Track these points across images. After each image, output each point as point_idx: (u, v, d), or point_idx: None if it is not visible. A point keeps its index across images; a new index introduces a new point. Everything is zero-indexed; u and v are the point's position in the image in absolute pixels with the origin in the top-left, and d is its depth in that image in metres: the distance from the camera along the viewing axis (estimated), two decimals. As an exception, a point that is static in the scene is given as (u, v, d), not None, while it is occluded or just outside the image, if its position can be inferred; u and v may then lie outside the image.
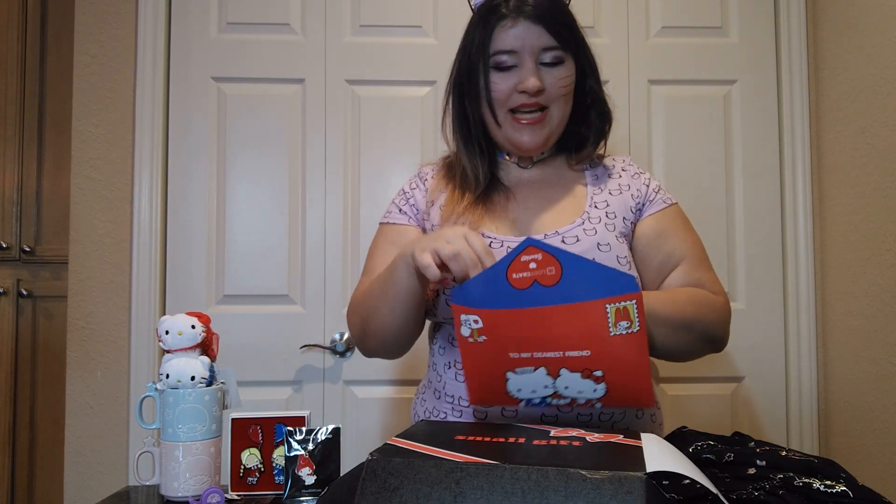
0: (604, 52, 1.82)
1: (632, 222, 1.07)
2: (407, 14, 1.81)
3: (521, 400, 0.87)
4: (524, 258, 0.81)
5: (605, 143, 1.14)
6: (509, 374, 0.86)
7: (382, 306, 0.98)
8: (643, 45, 1.83)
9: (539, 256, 0.80)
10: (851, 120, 1.63)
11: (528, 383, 0.86)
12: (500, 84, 1.02)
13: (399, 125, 1.79)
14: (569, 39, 1.02)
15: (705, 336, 1.00)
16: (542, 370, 0.84)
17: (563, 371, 0.84)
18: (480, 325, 0.84)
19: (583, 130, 1.11)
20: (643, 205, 1.08)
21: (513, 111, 1.04)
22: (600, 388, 0.84)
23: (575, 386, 0.85)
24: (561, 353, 0.83)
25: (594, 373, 0.83)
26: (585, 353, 0.82)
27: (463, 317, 0.84)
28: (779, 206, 1.82)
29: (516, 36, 1.00)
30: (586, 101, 1.09)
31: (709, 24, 1.84)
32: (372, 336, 1.04)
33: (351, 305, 1.10)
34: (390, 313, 0.98)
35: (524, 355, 0.84)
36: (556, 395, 0.86)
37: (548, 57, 1.01)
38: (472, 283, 0.83)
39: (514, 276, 0.82)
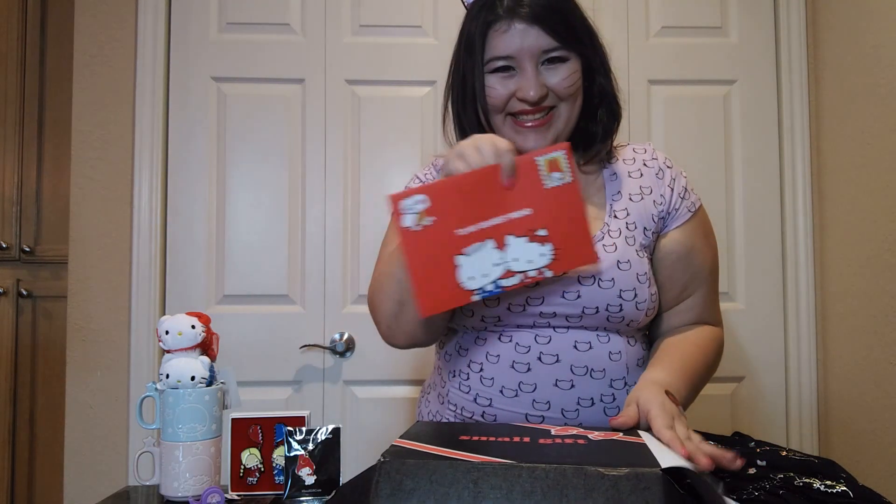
0: (604, 52, 1.82)
1: (653, 232, 1.00)
2: (407, 14, 1.81)
3: (475, 291, 0.87)
4: None
5: (612, 141, 1.06)
6: (459, 259, 0.87)
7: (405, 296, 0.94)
8: (643, 45, 1.83)
9: None
10: (851, 120, 1.63)
11: (478, 264, 0.87)
12: (498, 90, 0.96)
13: (399, 125, 1.79)
14: (571, 37, 0.95)
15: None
16: (489, 242, 0.87)
17: (510, 238, 0.87)
18: (427, 203, 0.85)
19: (591, 127, 1.03)
20: (667, 214, 1.01)
21: (514, 115, 0.97)
22: (547, 251, 0.87)
23: (523, 254, 0.87)
24: (504, 216, 0.86)
25: (538, 233, 0.86)
26: (527, 211, 0.86)
27: (406, 203, 0.86)
28: (779, 206, 1.82)
29: (513, 40, 0.94)
30: (595, 98, 1.02)
31: (709, 24, 1.84)
32: (406, 320, 0.97)
33: (375, 291, 1.01)
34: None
35: (471, 229, 0.86)
36: (507, 273, 0.87)
37: (550, 58, 0.95)
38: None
39: None
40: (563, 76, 0.95)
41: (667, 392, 0.85)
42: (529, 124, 0.97)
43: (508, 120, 0.98)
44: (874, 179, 1.54)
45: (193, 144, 1.77)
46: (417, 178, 1.10)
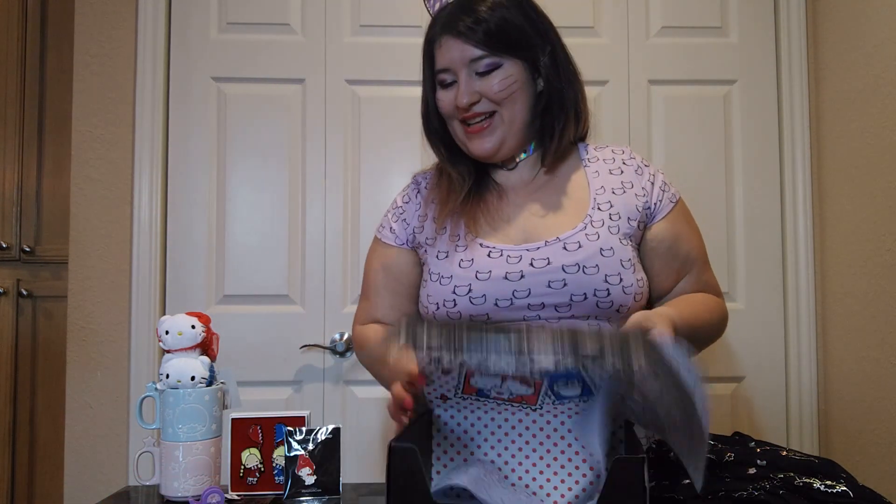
0: (604, 52, 1.82)
1: (637, 222, 1.05)
2: (407, 14, 1.81)
3: None
4: None
5: (565, 138, 1.08)
6: None
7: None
8: (643, 45, 1.83)
9: None
10: (851, 120, 1.63)
11: None
12: (443, 101, 1.06)
13: (399, 125, 1.79)
14: (499, 44, 1.01)
15: (710, 342, 1.08)
16: None
17: None
18: None
19: (545, 126, 1.08)
20: (652, 206, 1.07)
21: (463, 121, 1.05)
22: None
23: None
24: None
25: None
26: None
27: None
28: (779, 206, 1.82)
29: (444, 54, 1.04)
30: (546, 97, 1.06)
31: (709, 24, 1.84)
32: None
33: (356, 341, 1.20)
34: None
35: None
36: None
37: (480, 66, 1.02)
38: None
39: None
40: (494, 82, 1.02)
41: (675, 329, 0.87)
42: (472, 130, 1.05)
43: (461, 126, 1.06)
44: (874, 179, 1.54)
45: (193, 144, 1.77)
46: (396, 202, 1.18)
